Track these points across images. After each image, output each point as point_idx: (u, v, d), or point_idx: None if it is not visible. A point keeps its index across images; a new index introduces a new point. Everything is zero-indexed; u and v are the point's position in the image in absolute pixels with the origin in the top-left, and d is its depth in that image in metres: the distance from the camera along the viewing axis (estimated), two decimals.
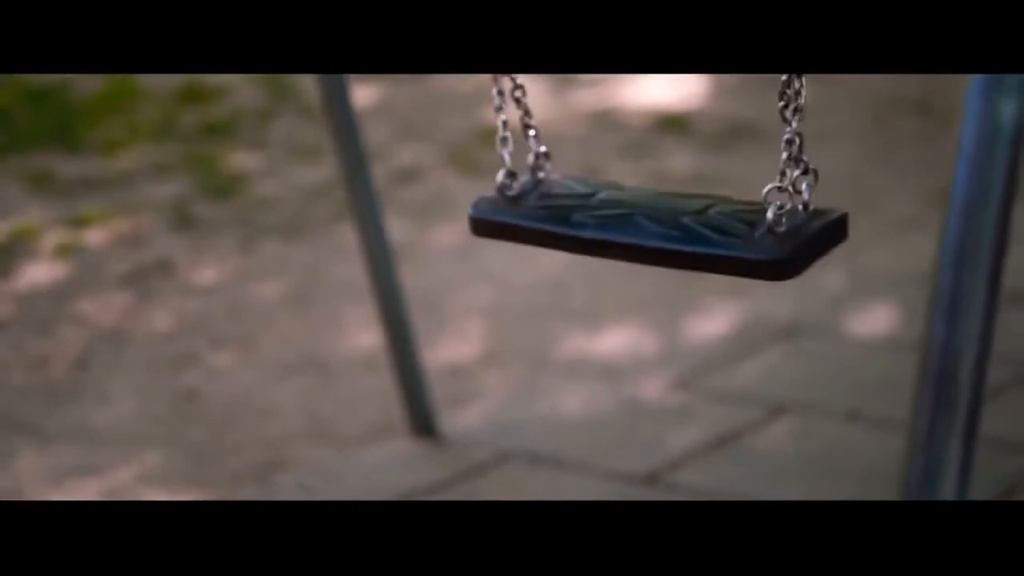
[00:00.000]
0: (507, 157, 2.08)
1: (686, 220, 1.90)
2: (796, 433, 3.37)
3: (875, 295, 4.17)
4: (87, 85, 6.21)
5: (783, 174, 1.90)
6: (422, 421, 3.35)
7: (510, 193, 2.06)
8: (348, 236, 4.38)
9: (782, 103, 1.89)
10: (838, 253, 4.90)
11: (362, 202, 3.20)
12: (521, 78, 2.08)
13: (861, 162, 5.51)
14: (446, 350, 3.92)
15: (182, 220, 4.79)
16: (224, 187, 5.12)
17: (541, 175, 2.10)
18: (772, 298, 4.15)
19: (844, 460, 3.23)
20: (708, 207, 1.95)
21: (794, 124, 1.90)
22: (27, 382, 3.78)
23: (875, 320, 4.02)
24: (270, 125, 5.82)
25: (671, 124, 5.81)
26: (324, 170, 5.16)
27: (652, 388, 3.62)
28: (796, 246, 1.85)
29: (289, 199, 5.02)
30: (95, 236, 4.73)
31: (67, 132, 5.68)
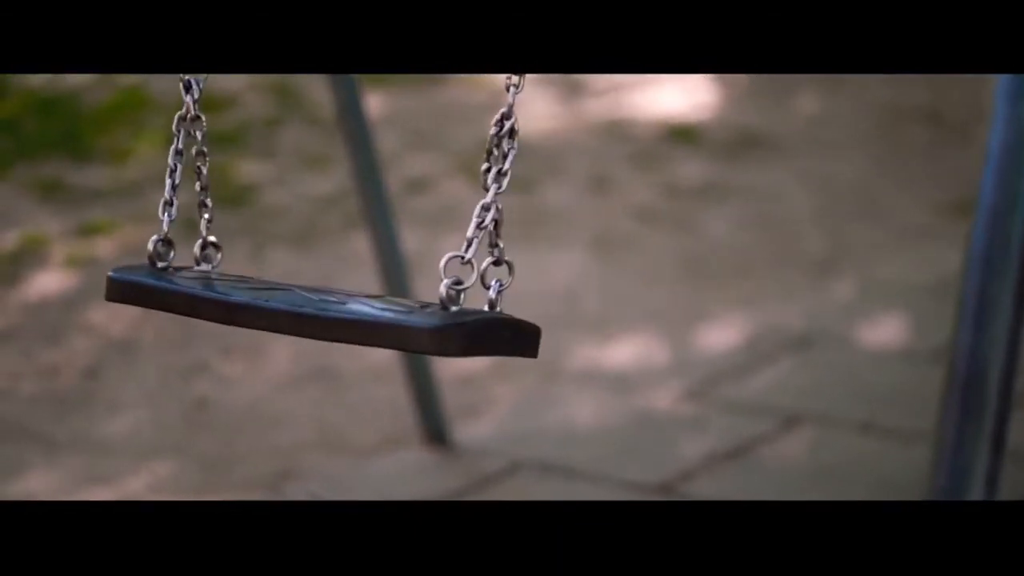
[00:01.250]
0: (166, 222, 1.85)
1: (352, 300, 1.66)
2: (809, 444, 3.36)
3: (886, 305, 4.16)
4: (96, 94, 6.21)
5: (469, 245, 1.55)
6: (434, 431, 3.34)
7: (161, 264, 1.86)
8: (358, 245, 4.37)
9: (485, 165, 1.58)
10: (849, 262, 4.86)
11: (375, 210, 3.19)
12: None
13: (870, 172, 5.49)
14: (458, 360, 3.90)
15: (191, 229, 4.78)
16: (234, 196, 5.11)
17: (207, 267, 1.88)
18: (784, 309, 4.13)
19: (858, 471, 3.22)
20: (380, 296, 1.71)
21: (492, 191, 1.56)
22: (37, 391, 3.77)
23: (887, 330, 4.00)
24: (279, 134, 5.81)
25: (681, 134, 5.80)
26: (333, 179, 5.15)
27: (664, 398, 3.60)
28: (463, 322, 1.55)
29: (298, 208, 5.01)
30: (104, 245, 4.72)
31: (76, 141, 5.68)
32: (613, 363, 3.85)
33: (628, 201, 5.19)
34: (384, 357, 3.80)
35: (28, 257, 4.63)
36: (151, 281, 1.81)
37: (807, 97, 6.33)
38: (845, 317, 4.09)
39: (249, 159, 5.55)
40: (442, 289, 1.55)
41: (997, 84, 1.64)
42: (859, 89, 6.33)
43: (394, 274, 3.22)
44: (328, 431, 3.53)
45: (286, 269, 4.53)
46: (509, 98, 1.59)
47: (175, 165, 1.85)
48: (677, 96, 6.23)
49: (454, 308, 1.56)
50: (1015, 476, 2.44)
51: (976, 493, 1.58)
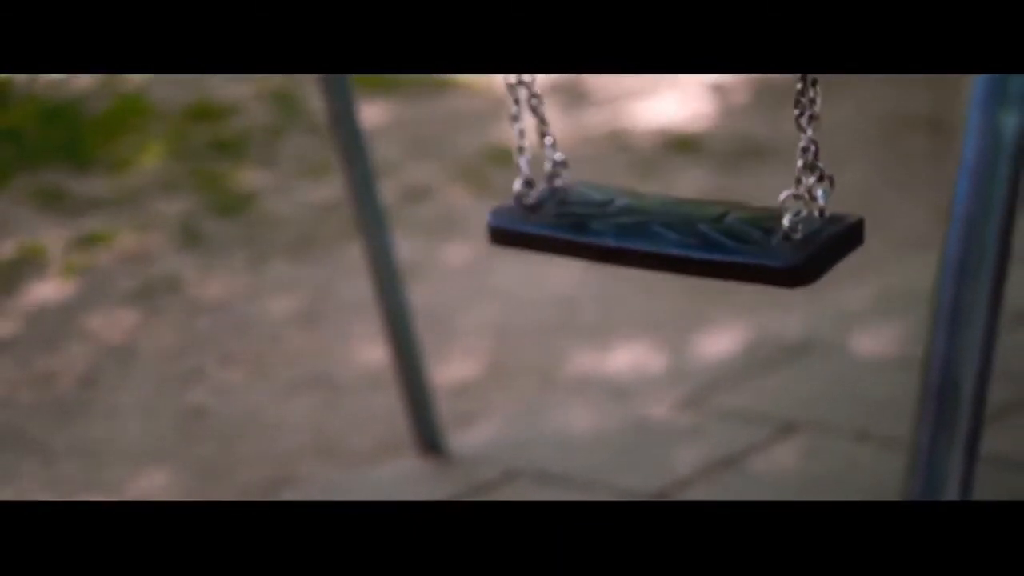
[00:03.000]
0: (524, 166, 2.08)
1: (703, 227, 1.91)
2: (805, 452, 3.36)
3: (885, 313, 4.15)
4: (97, 103, 6.22)
5: (799, 181, 1.93)
6: (430, 439, 3.34)
7: (527, 202, 2.07)
8: (357, 254, 4.37)
9: (797, 111, 1.91)
10: (848, 270, 4.88)
11: (369, 220, 3.19)
12: (539, 87, 2.08)
13: (871, 180, 5.49)
14: (454, 368, 3.91)
15: (190, 237, 4.79)
16: (233, 204, 5.12)
17: (558, 183, 2.10)
18: (781, 316, 4.13)
19: (854, 480, 3.22)
20: (724, 214, 1.96)
21: (809, 132, 1.92)
22: (34, 399, 3.77)
23: (885, 338, 4.00)
24: (279, 142, 5.82)
25: (681, 144, 5.80)
26: (333, 188, 5.15)
27: (661, 406, 3.60)
28: (811, 253, 1.86)
29: (298, 217, 5.02)
30: (103, 253, 4.72)
31: (76, 150, 5.68)
32: (610, 371, 3.85)
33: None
34: (380, 364, 3.81)
35: (27, 265, 4.64)
36: (527, 228, 2.02)
37: None
38: (843, 325, 4.08)
39: (249, 167, 5.55)
40: (785, 222, 1.88)
41: (971, 91, 1.64)
42: (860, 97, 6.33)
43: (388, 284, 3.23)
44: (324, 439, 3.54)
45: (285, 277, 4.53)
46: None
47: (519, 114, 2.08)
48: (677, 105, 6.23)
49: (797, 236, 1.87)
50: (988, 484, 2.44)
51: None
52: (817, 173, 1.93)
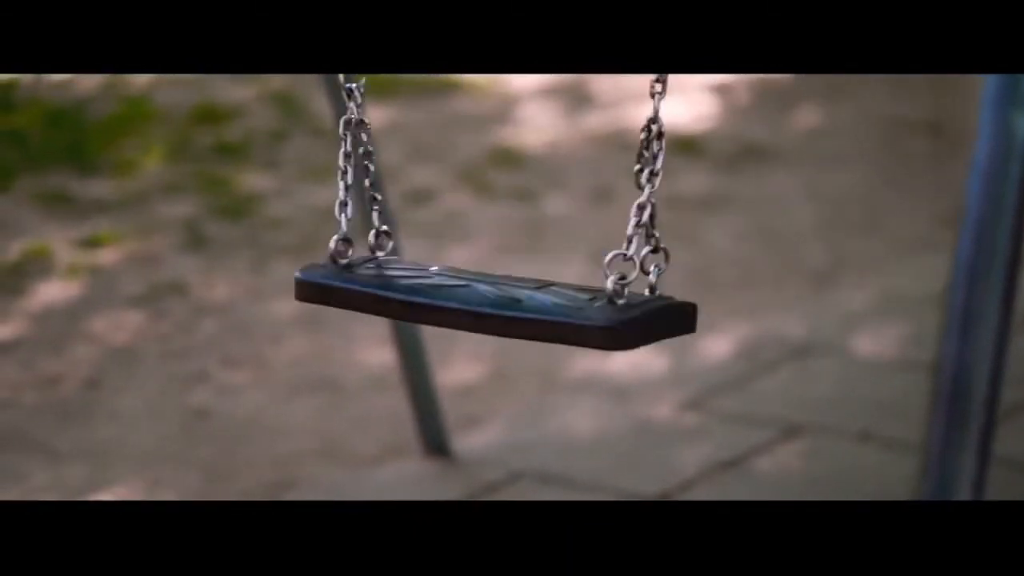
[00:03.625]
0: (344, 222, 1.95)
1: (522, 292, 1.77)
2: (808, 454, 3.37)
3: (887, 315, 4.16)
4: (101, 106, 6.23)
5: (629, 241, 1.71)
6: (434, 441, 3.35)
7: (342, 261, 1.94)
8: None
9: (638, 165, 1.72)
10: (849, 273, 4.87)
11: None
12: (373, 135, 1.94)
13: (873, 183, 5.50)
14: (458, 370, 3.92)
15: (195, 240, 4.80)
16: (237, 207, 5.13)
17: (380, 254, 1.97)
18: (784, 319, 4.14)
19: (856, 481, 3.23)
20: (549, 284, 1.81)
21: (648, 189, 1.72)
22: (39, 401, 3.78)
23: (887, 340, 4.01)
24: (283, 146, 5.82)
25: (683, 146, 5.81)
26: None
27: (663, 408, 3.61)
28: (634, 316, 1.68)
29: (301, 219, 5.03)
30: (108, 256, 4.73)
31: (81, 153, 5.69)
32: (613, 373, 3.86)
33: (630, 213, 5.19)
34: (384, 367, 3.81)
35: (32, 267, 4.64)
36: (337, 282, 1.90)
37: (808, 109, 6.34)
38: (846, 328, 4.09)
39: (253, 170, 5.56)
40: (609, 284, 1.68)
41: (982, 93, 1.64)
42: (860, 101, 6.34)
43: None
44: (328, 441, 3.54)
45: (288, 280, 4.53)
46: (656, 103, 1.75)
47: (345, 168, 1.98)
48: (679, 108, 6.24)
49: (621, 301, 1.69)
50: (999, 484, 2.44)
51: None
52: (653, 243, 1.72)
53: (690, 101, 6.33)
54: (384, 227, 1.96)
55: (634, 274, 1.71)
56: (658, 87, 1.76)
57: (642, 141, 1.73)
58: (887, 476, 3.23)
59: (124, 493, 3.30)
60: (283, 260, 4.69)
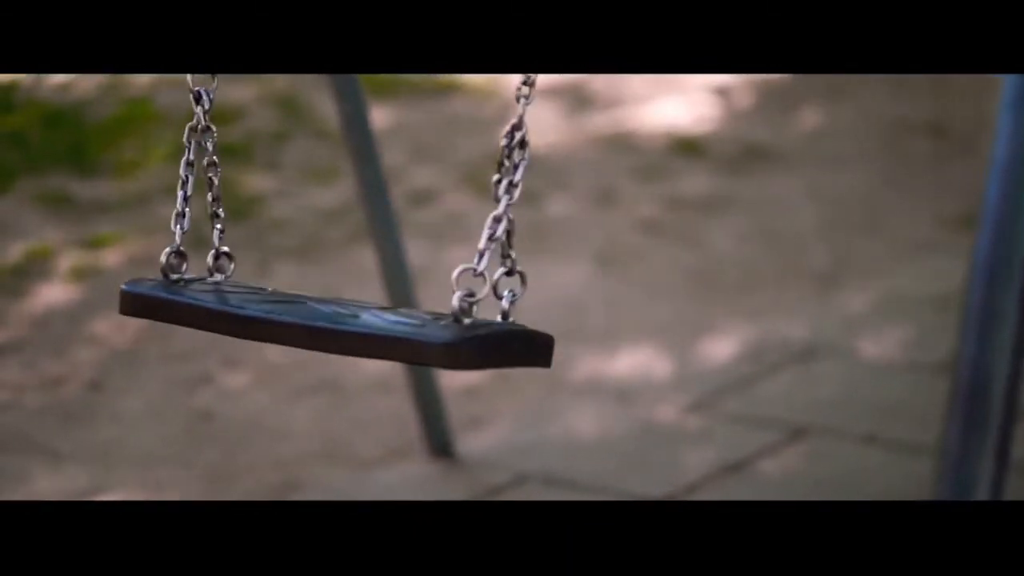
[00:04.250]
0: (179, 234, 1.84)
1: (364, 311, 1.67)
2: (814, 456, 3.36)
3: (891, 317, 4.16)
4: (102, 107, 6.22)
5: (481, 256, 1.56)
6: (439, 443, 3.34)
7: (174, 276, 1.85)
8: (363, 258, 4.38)
9: (496, 176, 1.58)
10: (853, 275, 4.86)
11: (380, 223, 3.20)
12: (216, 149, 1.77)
13: (874, 184, 5.50)
14: (462, 371, 3.90)
15: (197, 242, 4.78)
16: (239, 209, 5.12)
17: (217, 276, 1.87)
18: (788, 321, 4.13)
19: (862, 483, 3.22)
20: (396, 308, 1.73)
21: (503, 202, 1.56)
22: (42, 403, 3.77)
23: (891, 342, 4.00)
24: (285, 147, 5.82)
25: (685, 147, 5.80)
26: (339, 192, 5.16)
27: (668, 410, 3.60)
28: (477, 335, 1.56)
29: (304, 221, 5.02)
30: (110, 257, 4.72)
31: (82, 154, 5.68)
32: (618, 375, 3.85)
33: (633, 214, 5.19)
34: (388, 368, 3.80)
35: (34, 269, 4.64)
36: (165, 295, 1.79)
37: (811, 110, 6.34)
38: (849, 329, 4.09)
39: (255, 172, 5.56)
40: (455, 302, 1.54)
41: (1001, 94, 1.64)
42: (863, 102, 6.33)
43: (400, 287, 3.22)
44: (332, 443, 3.53)
45: (291, 281, 4.53)
46: (519, 109, 1.60)
47: (186, 176, 1.84)
48: (681, 109, 6.23)
49: (467, 321, 1.56)
50: (1020, 487, 2.44)
51: None
52: (508, 264, 1.57)
53: (691, 102, 6.32)
54: (225, 248, 1.85)
55: (484, 290, 1.56)
56: (525, 90, 1.61)
57: (503, 149, 1.57)
58: (892, 478, 3.23)
59: (126, 495, 3.29)
60: (285, 262, 4.68)
